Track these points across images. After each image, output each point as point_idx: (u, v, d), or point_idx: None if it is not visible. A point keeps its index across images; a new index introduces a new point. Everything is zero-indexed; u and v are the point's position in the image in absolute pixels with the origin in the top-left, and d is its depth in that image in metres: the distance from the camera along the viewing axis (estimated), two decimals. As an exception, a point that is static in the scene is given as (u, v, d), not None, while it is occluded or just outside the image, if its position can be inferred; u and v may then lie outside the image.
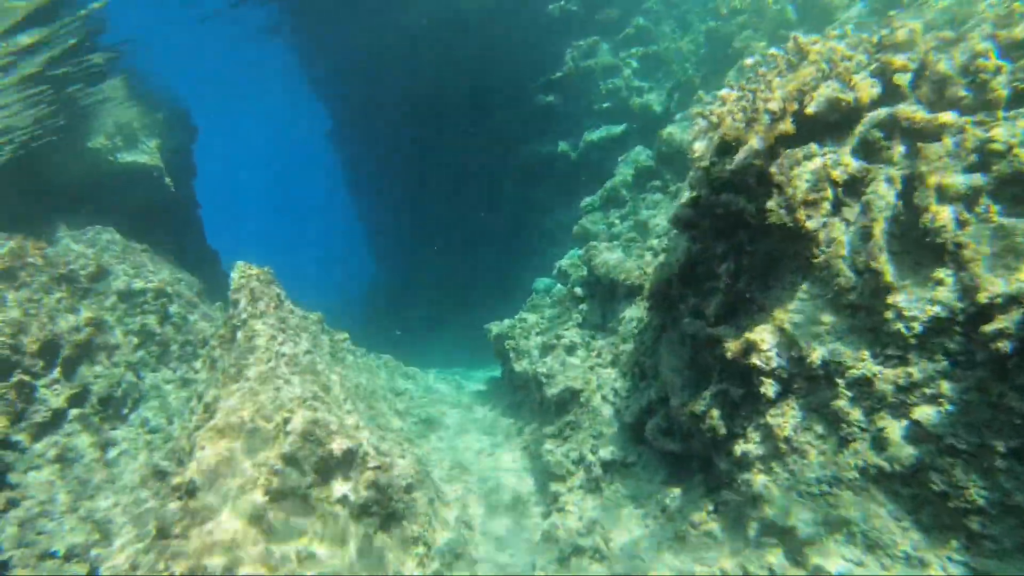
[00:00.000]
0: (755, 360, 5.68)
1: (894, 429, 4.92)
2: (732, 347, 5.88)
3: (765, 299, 5.89)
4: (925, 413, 4.74)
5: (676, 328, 7.16)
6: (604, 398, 8.19)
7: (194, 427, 7.29)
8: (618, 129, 16.16)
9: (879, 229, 5.23)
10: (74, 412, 9.28)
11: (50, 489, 8.43)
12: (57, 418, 9.01)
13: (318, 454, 6.32)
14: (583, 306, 10.13)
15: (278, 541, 5.74)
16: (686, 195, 6.56)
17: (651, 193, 12.10)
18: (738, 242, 6.02)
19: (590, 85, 17.40)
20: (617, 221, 12.69)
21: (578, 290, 10.39)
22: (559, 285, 12.68)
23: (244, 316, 8.69)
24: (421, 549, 6.60)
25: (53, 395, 9.04)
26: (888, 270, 5.05)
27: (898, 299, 4.97)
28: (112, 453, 9.39)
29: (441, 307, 30.33)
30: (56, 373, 9.21)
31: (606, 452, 7.46)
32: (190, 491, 6.10)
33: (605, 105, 16.82)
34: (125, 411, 10.13)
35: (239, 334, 8.54)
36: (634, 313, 8.77)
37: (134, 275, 11.65)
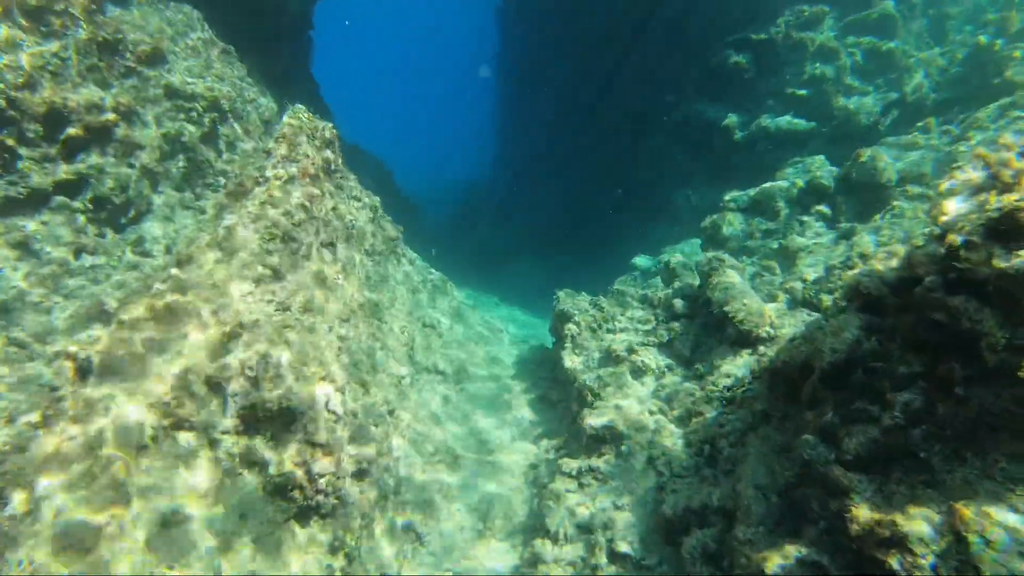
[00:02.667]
0: (891, 559, 3.73)
1: None
2: (862, 519, 3.93)
3: (947, 474, 3.86)
4: None
5: (785, 432, 5.20)
6: (651, 461, 6.37)
7: (140, 278, 5.96)
8: (805, 125, 13.54)
9: None
10: (59, 200, 8.18)
11: (-5, 277, 7.42)
12: (34, 200, 7.92)
13: (250, 399, 4.84)
14: (676, 325, 8.15)
15: (151, 494, 4.35)
16: (893, 265, 4.44)
17: (814, 219, 9.75)
18: (945, 374, 3.94)
19: (794, 62, 14.63)
20: (759, 235, 10.44)
21: (679, 303, 8.38)
22: (660, 282, 10.67)
23: (268, 173, 7.20)
24: (340, 562, 5.14)
25: (39, 172, 7.93)
26: None
27: None
28: (85, 261, 8.32)
29: (531, 240, 28.74)
30: (52, 149, 8.07)
31: (622, 538, 5.71)
32: (83, 371, 4.77)
33: (801, 92, 14.11)
34: (122, 221, 9.01)
35: (255, 191, 7.08)
36: (734, 369, 6.78)
37: (196, 74, 10.36)
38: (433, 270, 13.11)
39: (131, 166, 9.07)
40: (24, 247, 7.82)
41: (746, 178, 14.48)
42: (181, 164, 9.91)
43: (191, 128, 9.91)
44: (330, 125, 8.71)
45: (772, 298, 7.73)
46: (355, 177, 11.04)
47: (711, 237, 11.17)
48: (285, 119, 8.18)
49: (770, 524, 4.77)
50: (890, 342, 4.33)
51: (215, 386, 4.84)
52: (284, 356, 5.26)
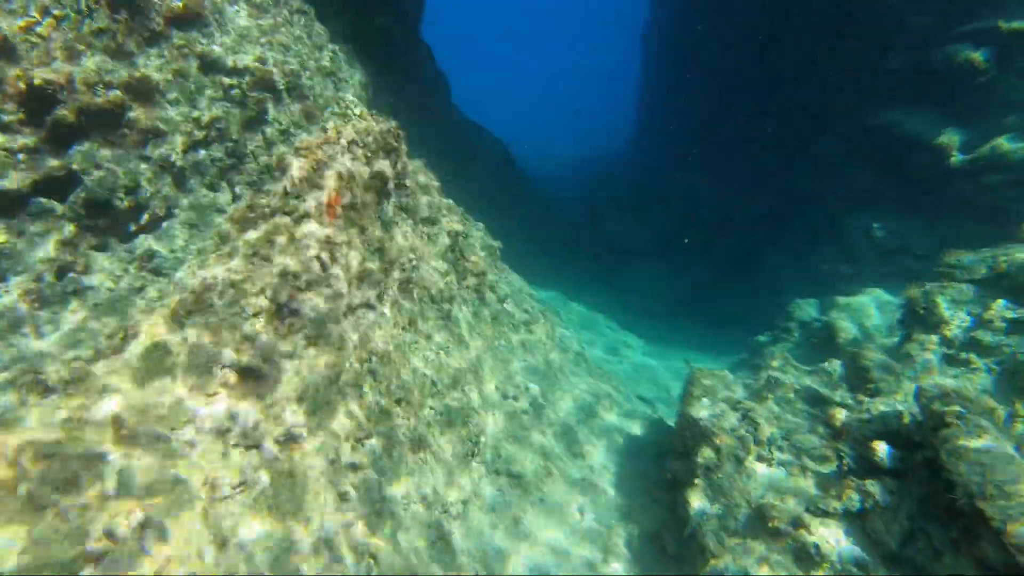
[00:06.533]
0: None
1: None
2: None
3: None
4: None
5: None
6: None
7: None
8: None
9: None
10: (40, 203, 6.48)
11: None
12: (6, 203, 6.23)
13: None
14: (875, 487, 5.35)
15: None
16: None
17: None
18: None
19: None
20: (1001, 324, 7.33)
21: (882, 449, 5.55)
22: (839, 370, 7.77)
23: (276, 202, 5.07)
24: None
25: (14, 167, 6.22)
26: None
27: None
28: (68, 284, 6.60)
29: (663, 243, 25.66)
30: (31, 138, 6.34)
31: None
32: None
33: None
34: (131, 228, 7.27)
35: (247, 234, 4.97)
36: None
37: (253, 39, 8.46)
38: (534, 302, 10.77)
39: (145, 159, 7.28)
40: (-16, 264, 6.18)
41: (962, 220, 11.15)
42: (218, 156, 8.08)
43: (234, 111, 8.04)
44: (393, 125, 6.49)
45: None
46: (438, 184, 8.86)
47: (918, 315, 8.12)
48: (331, 121, 6.05)
49: None
50: None
51: None
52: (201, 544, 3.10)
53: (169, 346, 4.12)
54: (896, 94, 13.70)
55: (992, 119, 11.24)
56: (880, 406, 6.19)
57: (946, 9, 12.47)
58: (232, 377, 4.07)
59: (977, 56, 11.52)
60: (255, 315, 4.46)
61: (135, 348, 4.14)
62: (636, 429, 9.20)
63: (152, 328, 4.23)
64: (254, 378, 4.26)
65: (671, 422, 9.10)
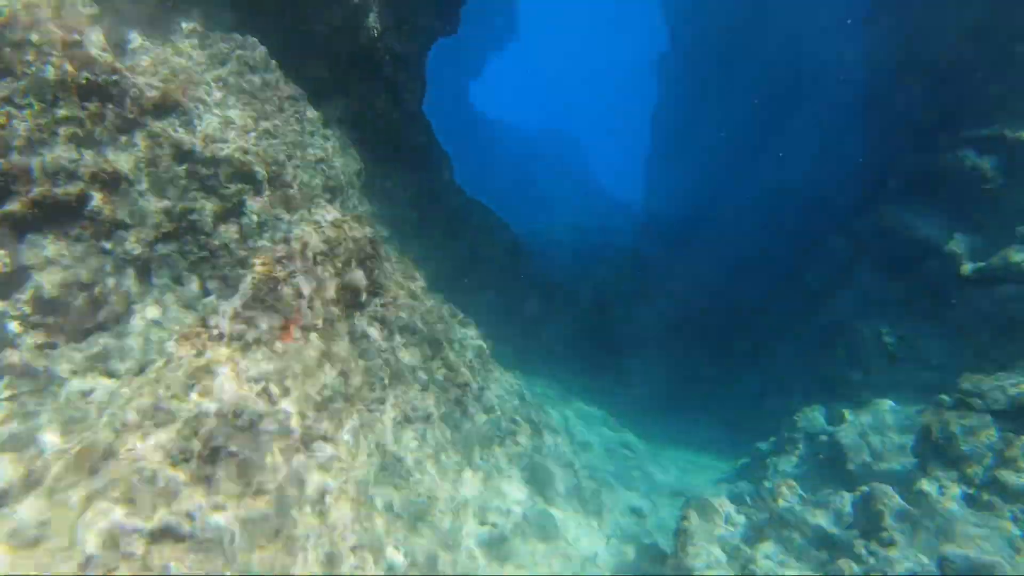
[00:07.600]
0: None
1: None
2: None
3: None
4: None
5: None
6: None
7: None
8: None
9: None
10: (-18, 301, 6.01)
11: None
12: (-63, 304, 5.76)
13: None
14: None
15: None
16: None
17: None
18: None
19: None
20: None
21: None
22: (849, 509, 7.12)
23: (218, 323, 4.58)
24: None
25: (-49, 265, 5.78)
26: None
27: None
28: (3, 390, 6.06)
29: (662, 332, 24.97)
30: (-23, 233, 5.92)
31: None
32: None
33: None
34: (87, 326, 6.77)
35: (183, 359, 4.46)
36: None
37: (232, 127, 8.18)
38: (524, 408, 10.15)
39: (106, 252, 6.84)
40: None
41: (978, 332, 10.64)
42: (190, 248, 7.65)
43: (209, 202, 7.66)
44: (367, 232, 6.08)
45: None
46: (423, 284, 8.43)
47: (934, 447, 7.51)
48: (297, 230, 5.62)
49: None
50: None
51: None
52: None
53: (70, 505, 3.56)
54: (907, 195, 13.41)
55: (1002, 228, 10.85)
56: (896, 565, 5.54)
57: (954, 113, 12.28)
58: (140, 547, 3.49)
59: (984, 163, 11.22)
60: (184, 460, 3.91)
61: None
62: (626, 555, 8.50)
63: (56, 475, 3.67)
64: (172, 539, 3.68)
65: (665, 543, 8.46)
